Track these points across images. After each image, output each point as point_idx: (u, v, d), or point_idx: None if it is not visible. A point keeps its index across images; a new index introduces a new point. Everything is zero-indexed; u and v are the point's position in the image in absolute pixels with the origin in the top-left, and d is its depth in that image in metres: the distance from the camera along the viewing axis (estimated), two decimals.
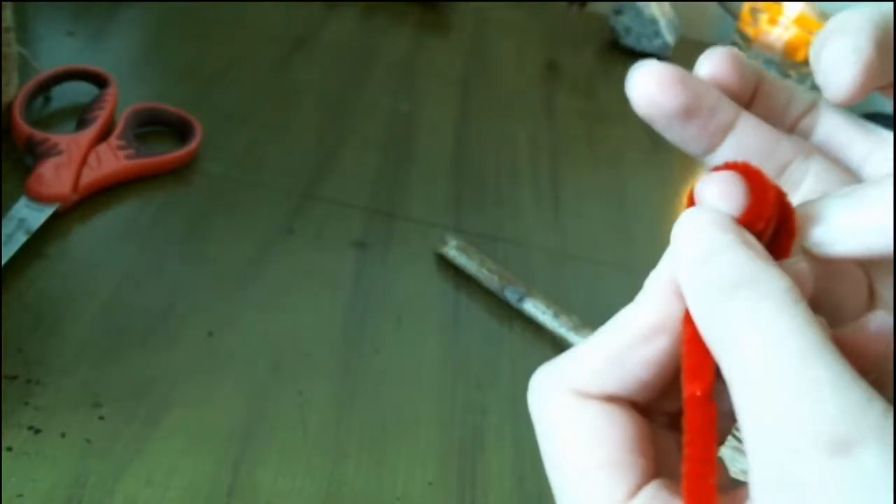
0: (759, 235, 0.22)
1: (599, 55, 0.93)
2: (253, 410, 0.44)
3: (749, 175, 0.22)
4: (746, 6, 0.94)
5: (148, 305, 0.48)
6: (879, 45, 0.23)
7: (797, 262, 0.22)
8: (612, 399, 0.22)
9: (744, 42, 0.93)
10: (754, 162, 0.23)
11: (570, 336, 0.52)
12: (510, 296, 0.54)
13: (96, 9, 0.71)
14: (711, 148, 0.25)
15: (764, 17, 0.92)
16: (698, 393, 0.21)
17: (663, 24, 0.93)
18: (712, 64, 0.25)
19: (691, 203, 0.22)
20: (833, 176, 0.25)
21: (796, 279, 0.20)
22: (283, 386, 0.46)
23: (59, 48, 0.65)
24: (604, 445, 0.21)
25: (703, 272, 0.20)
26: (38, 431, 0.39)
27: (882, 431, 0.16)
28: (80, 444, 0.39)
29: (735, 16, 0.99)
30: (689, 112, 0.24)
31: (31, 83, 0.57)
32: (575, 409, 0.22)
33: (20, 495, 0.37)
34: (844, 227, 0.21)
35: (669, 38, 0.93)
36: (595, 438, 0.22)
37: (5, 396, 0.40)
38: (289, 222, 0.57)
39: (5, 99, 0.55)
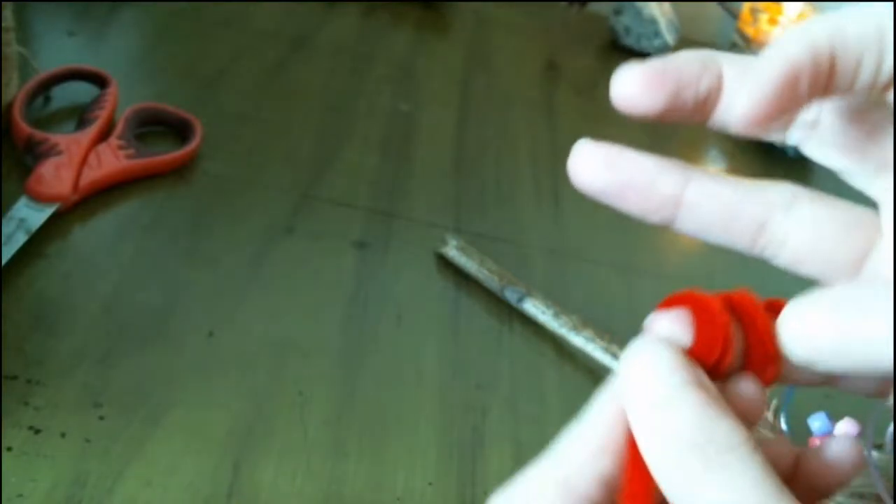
0: (716, 365, 0.21)
1: (599, 55, 0.93)
2: (253, 410, 0.44)
3: (697, 306, 0.22)
4: (746, 6, 0.94)
5: (148, 305, 0.48)
6: (787, 81, 0.21)
7: (747, 386, 0.22)
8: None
9: (744, 42, 0.93)
10: (718, 231, 0.23)
11: (569, 336, 0.52)
12: (510, 296, 0.54)
13: (96, 9, 0.71)
14: (667, 220, 0.24)
15: (764, 17, 0.92)
16: None
17: (663, 24, 0.93)
18: (623, 90, 0.24)
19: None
20: (822, 222, 0.24)
21: (749, 407, 0.21)
22: (283, 386, 0.46)
23: (59, 48, 0.65)
24: None
25: (656, 420, 0.20)
26: (38, 431, 0.39)
27: None
28: (80, 444, 0.39)
29: (735, 16, 0.99)
30: (619, 192, 0.24)
31: (31, 83, 0.57)
32: None
33: (20, 495, 0.37)
34: (830, 346, 0.19)
35: (669, 38, 0.93)
36: None
37: (5, 396, 0.40)
38: (289, 222, 0.57)
39: (5, 99, 0.55)
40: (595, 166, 0.24)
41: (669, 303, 0.23)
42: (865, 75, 0.22)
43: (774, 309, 0.22)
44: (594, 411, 0.22)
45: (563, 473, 0.22)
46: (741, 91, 0.22)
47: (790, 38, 0.22)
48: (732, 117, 0.23)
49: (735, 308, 0.22)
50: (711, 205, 0.24)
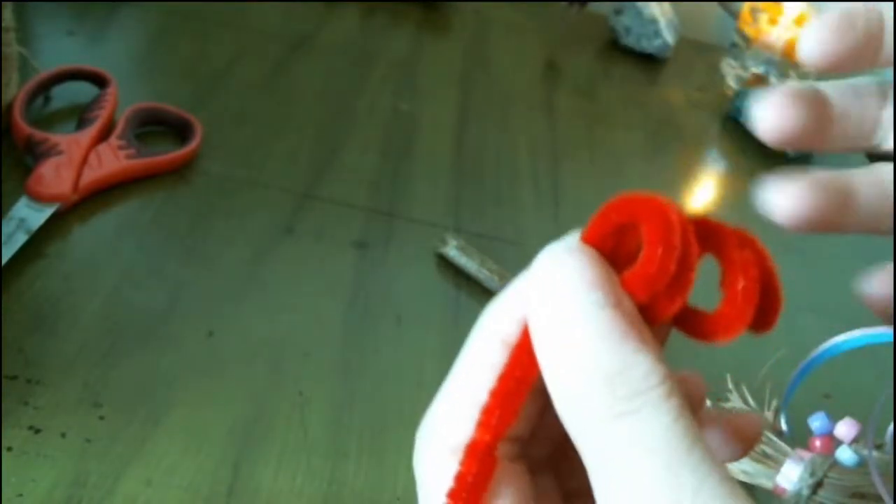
0: (666, 296, 0.19)
1: (599, 55, 0.93)
2: (253, 410, 0.44)
3: (651, 214, 0.19)
4: (746, 6, 0.94)
5: (148, 305, 0.48)
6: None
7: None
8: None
9: (744, 42, 0.93)
10: None
11: None
12: None
13: (96, 9, 0.71)
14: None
15: (764, 17, 0.92)
16: (486, 439, 0.20)
17: (663, 24, 0.93)
18: (772, 119, 0.23)
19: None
20: None
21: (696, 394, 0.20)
22: (283, 386, 0.46)
23: (59, 48, 0.65)
24: None
25: (564, 343, 0.18)
26: (38, 431, 0.39)
27: None
28: (80, 444, 0.39)
29: (735, 16, 0.99)
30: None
31: (31, 83, 0.57)
32: (448, 469, 0.21)
33: (20, 495, 0.37)
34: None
35: (669, 38, 0.93)
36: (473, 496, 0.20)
37: (5, 396, 0.40)
38: (289, 222, 0.57)
39: (5, 99, 0.55)
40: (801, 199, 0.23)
41: (617, 206, 0.20)
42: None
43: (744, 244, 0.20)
44: (488, 324, 0.21)
45: (469, 393, 0.21)
46: (807, 32, 0.23)
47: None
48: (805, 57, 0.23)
49: (701, 231, 0.20)
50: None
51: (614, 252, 0.20)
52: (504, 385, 0.20)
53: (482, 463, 0.20)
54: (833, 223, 0.23)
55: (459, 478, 0.20)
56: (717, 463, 0.17)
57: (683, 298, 0.19)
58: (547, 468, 0.23)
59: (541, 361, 0.19)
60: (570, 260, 0.19)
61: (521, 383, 0.19)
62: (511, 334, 0.20)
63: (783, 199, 0.23)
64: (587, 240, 0.20)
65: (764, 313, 0.20)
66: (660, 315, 0.19)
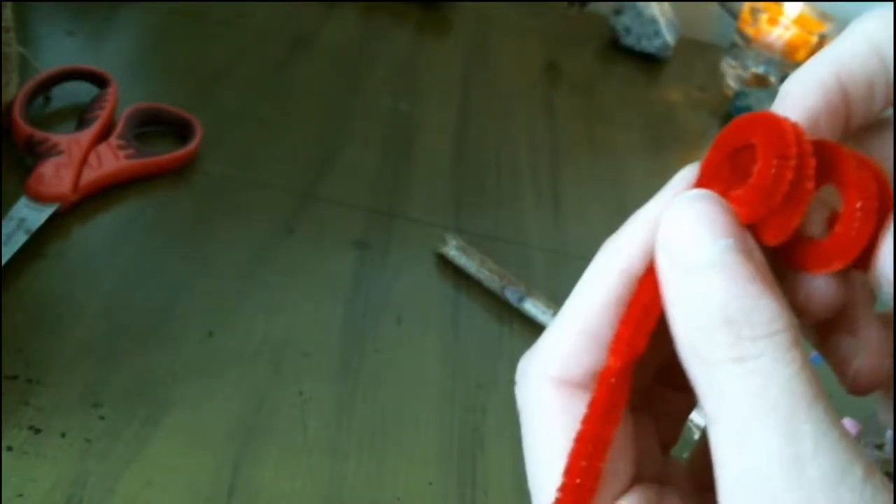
0: (780, 217, 0.19)
1: (599, 55, 0.93)
2: (253, 411, 0.44)
3: (766, 132, 0.19)
4: (746, 6, 0.94)
5: (148, 305, 0.48)
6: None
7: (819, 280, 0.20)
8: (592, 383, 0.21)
9: (744, 42, 0.93)
10: None
11: None
12: (510, 296, 0.54)
13: (96, 9, 0.71)
14: None
15: (764, 17, 0.92)
16: (617, 365, 0.20)
17: (663, 24, 0.93)
18: None
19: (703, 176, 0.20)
20: None
21: (820, 298, 0.19)
22: (283, 386, 0.46)
23: (59, 48, 0.65)
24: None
25: (689, 288, 0.18)
26: (38, 431, 0.39)
27: (858, 499, 0.16)
28: (80, 444, 0.39)
29: (735, 16, 0.99)
30: None
31: (31, 83, 0.57)
32: (558, 401, 0.21)
33: (20, 495, 0.37)
34: None
35: (669, 38, 0.93)
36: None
37: (5, 396, 0.40)
38: (289, 222, 0.57)
39: (5, 99, 0.55)
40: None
41: (730, 131, 0.20)
42: (879, 100, 0.21)
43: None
44: (610, 253, 0.21)
45: (588, 323, 0.21)
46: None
47: (798, 87, 0.21)
48: None
49: (818, 150, 0.19)
50: None
51: (731, 178, 0.20)
52: (633, 312, 0.20)
53: (614, 389, 0.20)
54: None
55: (593, 404, 0.20)
56: (837, 419, 0.17)
57: (802, 210, 0.19)
58: (643, 407, 0.23)
59: (667, 301, 0.19)
60: (700, 206, 0.19)
61: (650, 312, 0.20)
62: (633, 267, 0.20)
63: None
64: (705, 167, 0.20)
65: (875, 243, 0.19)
66: (781, 231, 0.19)
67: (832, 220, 0.20)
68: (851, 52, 0.21)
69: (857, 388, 0.22)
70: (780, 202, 0.19)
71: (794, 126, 0.19)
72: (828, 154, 0.19)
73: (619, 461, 0.20)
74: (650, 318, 0.20)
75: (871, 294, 0.22)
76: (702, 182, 0.21)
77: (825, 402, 0.17)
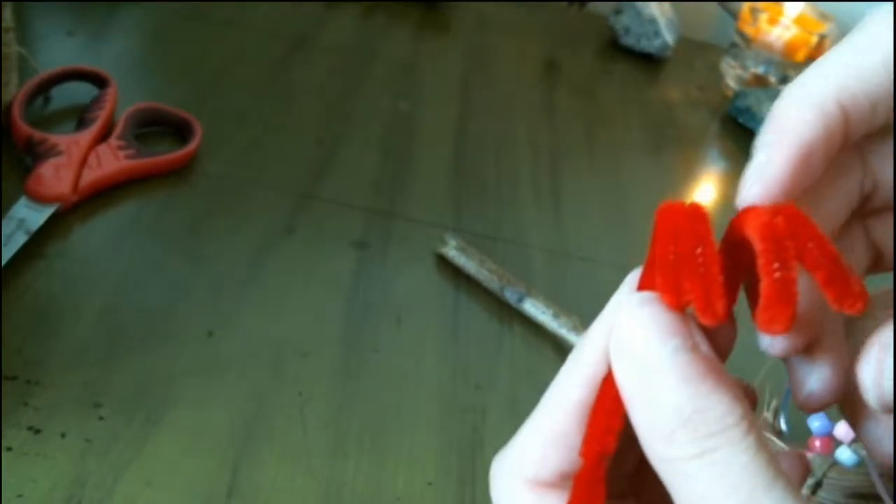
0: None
1: (599, 55, 0.93)
2: (253, 410, 0.44)
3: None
4: (746, 6, 0.94)
5: (148, 305, 0.48)
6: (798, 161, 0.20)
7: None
8: (566, 482, 0.21)
9: (744, 42, 0.93)
10: None
11: (569, 336, 0.52)
12: (510, 296, 0.54)
13: (96, 9, 0.71)
14: None
15: (764, 17, 0.92)
16: (589, 465, 0.20)
17: (663, 24, 0.93)
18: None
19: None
20: None
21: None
22: (283, 386, 0.46)
23: (59, 48, 0.65)
24: None
25: (645, 388, 0.19)
26: (38, 431, 0.39)
27: None
28: (80, 444, 0.39)
29: (735, 16, 0.99)
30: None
31: (31, 83, 0.57)
32: (532, 501, 0.22)
33: (20, 495, 0.37)
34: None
35: (669, 38, 0.93)
36: None
37: (5, 396, 0.40)
38: (289, 222, 0.57)
39: (5, 99, 0.55)
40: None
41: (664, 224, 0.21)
42: (882, 115, 0.20)
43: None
44: (576, 362, 0.22)
45: (557, 430, 0.22)
46: (748, 181, 0.21)
47: (796, 112, 0.20)
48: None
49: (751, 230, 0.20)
50: None
51: (679, 262, 0.21)
52: (598, 414, 0.21)
53: (588, 488, 0.20)
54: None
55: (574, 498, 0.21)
56: (798, 496, 0.18)
57: (725, 294, 0.20)
58: (633, 493, 0.24)
59: (626, 403, 0.20)
60: (645, 310, 0.20)
61: (615, 412, 0.20)
62: (596, 373, 0.21)
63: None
64: (649, 261, 0.21)
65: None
66: (718, 315, 0.20)
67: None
68: (858, 67, 0.20)
69: (808, 409, 0.22)
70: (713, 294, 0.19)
71: (701, 218, 0.20)
72: (737, 231, 0.20)
73: None
74: (616, 417, 0.20)
75: (835, 318, 0.22)
76: (646, 276, 0.21)
77: (784, 480, 0.18)
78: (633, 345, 0.19)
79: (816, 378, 0.22)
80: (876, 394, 0.18)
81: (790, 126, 0.20)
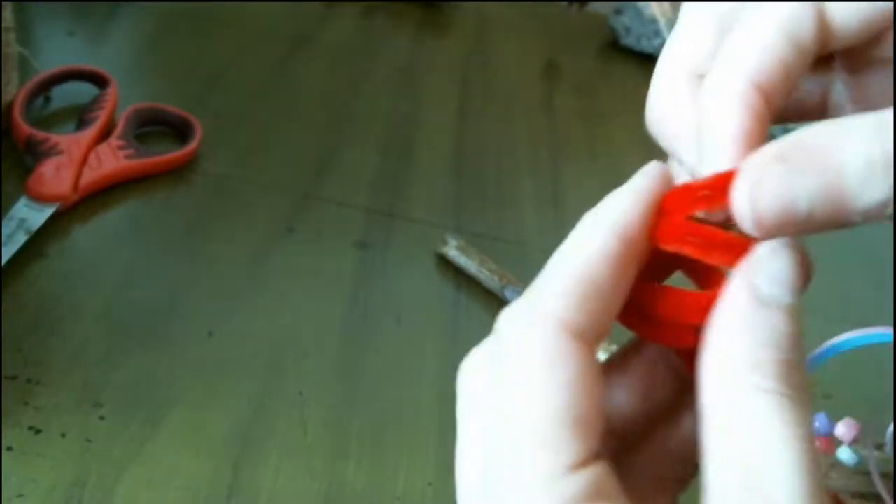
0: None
1: (599, 55, 0.93)
2: (253, 410, 0.44)
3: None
4: None
5: (148, 305, 0.47)
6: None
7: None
8: (590, 336, 0.20)
9: None
10: None
11: None
12: (510, 296, 0.54)
13: (96, 9, 0.71)
14: None
15: None
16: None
17: (663, 24, 0.93)
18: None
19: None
20: None
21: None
22: (283, 386, 0.46)
23: (59, 48, 0.65)
24: (581, 398, 0.19)
25: (767, 322, 0.19)
26: (38, 431, 0.39)
27: None
28: (80, 444, 0.39)
29: None
30: None
31: (31, 83, 0.57)
32: (561, 348, 0.20)
33: (20, 495, 0.37)
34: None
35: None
36: (576, 388, 0.19)
37: (5, 396, 0.40)
38: (289, 222, 0.56)
39: (5, 99, 0.55)
40: None
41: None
42: (795, 77, 0.22)
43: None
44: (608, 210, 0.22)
45: (585, 268, 0.21)
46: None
47: (720, 108, 0.21)
48: None
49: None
50: None
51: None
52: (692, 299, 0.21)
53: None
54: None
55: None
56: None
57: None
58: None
59: (737, 319, 0.20)
60: (792, 255, 0.20)
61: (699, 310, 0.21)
62: (628, 229, 0.21)
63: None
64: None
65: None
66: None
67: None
68: (763, 48, 0.21)
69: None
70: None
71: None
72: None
73: (600, 418, 0.20)
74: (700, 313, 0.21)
75: None
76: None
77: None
78: (771, 278, 0.19)
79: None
80: (752, 215, 0.19)
81: (722, 126, 0.21)
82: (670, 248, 0.21)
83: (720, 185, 0.20)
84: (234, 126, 0.63)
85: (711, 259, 0.20)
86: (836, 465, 0.44)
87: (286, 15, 0.80)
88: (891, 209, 0.18)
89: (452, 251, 0.56)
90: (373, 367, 0.48)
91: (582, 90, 0.85)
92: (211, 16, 0.75)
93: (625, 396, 0.24)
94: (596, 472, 0.19)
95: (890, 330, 0.45)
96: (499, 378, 0.21)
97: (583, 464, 0.19)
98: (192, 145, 0.58)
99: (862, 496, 0.43)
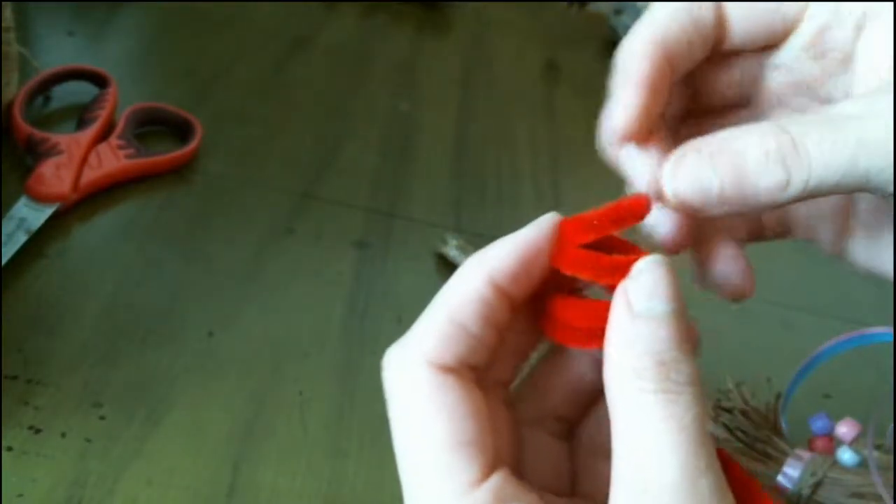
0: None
1: (599, 55, 0.93)
2: (253, 410, 0.44)
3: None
4: None
5: (148, 305, 0.48)
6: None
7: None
8: (463, 369, 0.23)
9: None
10: None
11: None
12: None
13: (96, 9, 0.71)
14: None
15: None
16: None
17: None
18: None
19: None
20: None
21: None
22: (283, 386, 0.46)
23: (59, 48, 0.65)
24: (463, 423, 0.22)
25: (639, 330, 0.21)
26: (38, 431, 0.39)
27: None
28: (80, 444, 0.39)
29: None
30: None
31: (31, 83, 0.57)
32: (433, 382, 0.22)
33: (20, 495, 0.37)
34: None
35: None
36: (455, 415, 0.22)
37: (5, 396, 0.40)
38: (289, 222, 0.57)
39: (5, 99, 0.55)
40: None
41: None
42: (698, 51, 0.26)
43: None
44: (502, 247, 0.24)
45: (452, 311, 0.23)
46: (609, 116, 0.27)
47: (630, 62, 0.26)
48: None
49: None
50: None
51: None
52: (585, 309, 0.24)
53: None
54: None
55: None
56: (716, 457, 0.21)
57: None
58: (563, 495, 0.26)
59: (613, 331, 0.22)
60: (664, 270, 0.23)
61: (595, 317, 0.23)
62: (498, 274, 0.24)
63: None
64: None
65: None
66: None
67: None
68: (670, 17, 0.26)
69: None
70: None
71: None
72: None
73: (487, 435, 0.22)
74: (596, 321, 0.23)
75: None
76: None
77: (714, 442, 0.21)
78: (644, 292, 0.22)
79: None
80: (672, 192, 0.23)
81: (631, 77, 0.26)
82: (568, 272, 0.23)
83: (608, 216, 0.24)
84: (234, 126, 0.63)
85: (602, 280, 0.23)
86: (837, 464, 0.44)
87: (286, 15, 0.80)
88: (790, 192, 0.22)
89: (452, 251, 0.56)
90: (373, 367, 0.48)
91: (582, 90, 0.85)
92: (211, 16, 0.75)
93: (574, 373, 0.27)
94: (495, 483, 0.21)
95: (890, 330, 0.45)
96: (392, 418, 0.23)
97: (481, 479, 0.21)
98: (192, 145, 0.58)
99: (862, 496, 0.43)
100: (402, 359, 0.24)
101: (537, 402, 0.27)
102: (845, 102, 0.23)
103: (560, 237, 0.24)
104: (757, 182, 0.22)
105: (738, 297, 0.27)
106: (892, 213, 0.26)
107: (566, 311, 0.24)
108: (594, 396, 0.27)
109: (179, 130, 0.60)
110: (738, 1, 0.26)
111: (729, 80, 0.29)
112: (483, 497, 0.21)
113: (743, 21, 0.27)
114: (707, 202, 0.23)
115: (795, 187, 0.22)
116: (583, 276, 0.23)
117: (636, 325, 0.21)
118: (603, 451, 0.26)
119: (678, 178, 0.23)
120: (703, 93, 0.29)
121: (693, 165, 0.23)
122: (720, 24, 0.27)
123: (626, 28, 0.27)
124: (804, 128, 0.22)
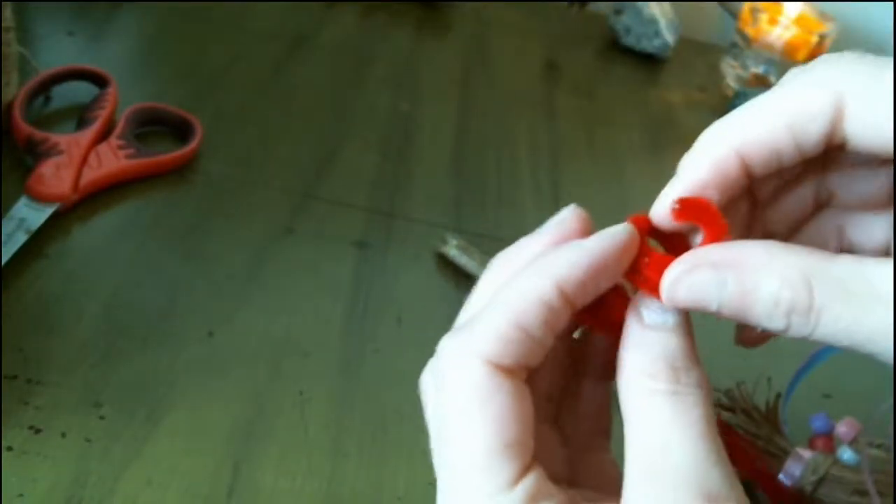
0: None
1: (599, 55, 0.93)
2: (253, 410, 0.44)
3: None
4: (746, 6, 0.94)
5: (148, 305, 0.48)
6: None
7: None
8: (519, 370, 0.23)
9: (744, 42, 0.93)
10: None
11: None
12: None
13: (96, 9, 0.71)
14: None
15: (764, 17, 0.92)
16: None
17: (663, 24, 0.93)
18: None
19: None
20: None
21: None
22: (283, 386, 0.46)
23: (59, 48, 0.65)
24: (512, 425, 0.22)
25: (654, 338, 0.23)
26: (38, 431, 0.39)
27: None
28: (80, 444, 0.39)
29: (735, 16, 0.99)
30: None
31: (31, 83, 0.57)
32: (491, 383, 0.23)
33: (20, 495, 0.37)
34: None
35: (669, 38, 0.93)
36: (507, 417, 0.22)
37: (5, 396, 0.40)
38: (289, 222, 0.57)
39: (5, 99, 0.55)
40: None
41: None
42: (788, 157, 0.24)
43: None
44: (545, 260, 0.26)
45: (527, 316, 0.23)
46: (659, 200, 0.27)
47: (696, 154, 0.25)
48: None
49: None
50: None
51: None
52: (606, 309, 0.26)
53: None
54: None
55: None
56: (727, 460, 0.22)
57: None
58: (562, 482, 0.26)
59: (630, 334, 0.24)
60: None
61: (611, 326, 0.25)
62: (565, 283, 0.24)
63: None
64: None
65: None
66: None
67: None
68: (756, 125, 0.24)
69: None
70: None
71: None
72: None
73: (530, 436, 0.23)
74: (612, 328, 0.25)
75: None
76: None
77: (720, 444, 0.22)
78: (656, 307, 0.24)
79: None
80: (668, 296, 0.23)
81: (690, 166, 0.25)
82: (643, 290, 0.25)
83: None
84: (234, 126, 0.63)
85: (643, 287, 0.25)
86: (837, 464, 0.44)
87: (286, 15, 0.80)
88: (783, 333, 0.22)
89: (452, 251, 0.56)
90: (373, 367, 0.48)
91: (582, 90, 0.85)
92: (211, 16, 0.75)
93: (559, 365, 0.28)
94: (531, 481, 0.22)
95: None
96: (439, 408, 0.24)
97: (518, 478, 0.22)
98: (192, 145, 0.58)
99: (863, 493, 0.43)
100: (461, 353, 0.24)
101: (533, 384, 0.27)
102: (885, 271, 0.21)
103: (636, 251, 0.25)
104: (756, 318, 0.22)
105: (755, 344, 0.28)
106: None
107: (608, 304, 0.25)
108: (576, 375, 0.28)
109: (179, 130, 0.60)
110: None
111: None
112: (519, 496, 0.22)
113: (876, 126, 0.23)
114: (699, 310, 0.23)
115: (789, 334, 0.22)
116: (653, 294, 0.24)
117: (648, 334, 0.23)
118: (593, 446, 0.28)
119: (680, 288, 0.23)
120: (831, 192, 0.28)
121: (702, 282, 0.22)
122: (834, 130, 0.23)
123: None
124: (830, 292, 0.21)
